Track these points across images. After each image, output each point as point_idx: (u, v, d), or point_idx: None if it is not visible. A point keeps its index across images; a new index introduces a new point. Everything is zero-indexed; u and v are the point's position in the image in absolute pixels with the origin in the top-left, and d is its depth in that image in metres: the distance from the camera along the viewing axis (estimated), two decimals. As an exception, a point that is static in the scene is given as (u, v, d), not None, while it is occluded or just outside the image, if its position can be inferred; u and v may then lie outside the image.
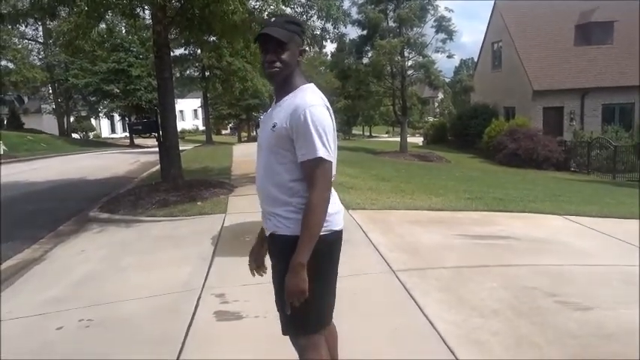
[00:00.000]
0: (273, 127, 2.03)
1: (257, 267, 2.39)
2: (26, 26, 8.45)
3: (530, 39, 23.95)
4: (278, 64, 2.02)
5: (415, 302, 3.76)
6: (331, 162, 1.98)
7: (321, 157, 1.93)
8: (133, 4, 7.06)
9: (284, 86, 2.07)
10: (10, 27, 9.11)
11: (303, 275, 1.93)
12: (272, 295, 2.19)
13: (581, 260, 4.85)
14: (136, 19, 9.15)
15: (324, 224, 2.00)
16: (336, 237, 2.11)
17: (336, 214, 2.11)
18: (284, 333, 2.16)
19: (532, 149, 19.51)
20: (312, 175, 1.95)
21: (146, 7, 8.69)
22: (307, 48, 2.28)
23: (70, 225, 7.79)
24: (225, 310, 3.81)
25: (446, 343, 3.12)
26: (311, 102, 1.97)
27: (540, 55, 23.42)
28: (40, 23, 8.40)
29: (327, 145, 1.94)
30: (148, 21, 10.05)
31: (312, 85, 2.11)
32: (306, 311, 2.02)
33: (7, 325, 3.89)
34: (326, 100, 2.09)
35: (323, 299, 2.12)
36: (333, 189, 2.12)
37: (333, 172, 2.08)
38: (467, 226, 6.20)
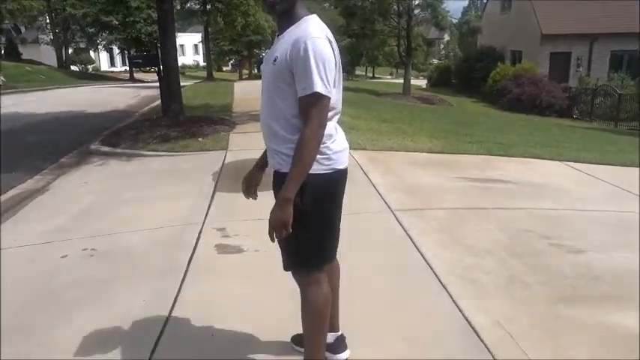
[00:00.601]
0: (274, 60, 1.97)
1: (246, 187, 2.43)
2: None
3: (542, -20, 23.13)
4: None
5: (412, 241, 3.85)
6: (329, 97, 1.91)
7: (317, 92, 1.86)
8: None
9: (286, 18, 2.00)
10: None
11: (289, 209, 1.91)
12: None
13: (577, 205, 4.92)
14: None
15: (328, 162, 2.00)
16: (339, 176, 2.08)
17: (341, 152, 2.08)
18: (285, 269, 2.19)
19: (536, 95, 19.31)
20: (308, 110, 1.90)
21: None
22: None
23: (72, 157, 7.82)
24: (226, 243, 3.90)
25: (440, 280, 3.22)
26: (313, 33, 1.89)
27: (552, -3, 22.71)
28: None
29: (324, 80, 1.87)
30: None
31: (314, 16, 2.02)
32: (308, 249, 2.06)
33: (13, 252, 4.00)
34: (329, 32, 2.01)
35: (324, 238, 2.13)
36: (338, 126, 2.11)
37: (338, 108, 2.07)
38: (466, 169, 6.24)
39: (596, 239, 3.97)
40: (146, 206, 5.03)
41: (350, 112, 11.20)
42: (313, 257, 2.11)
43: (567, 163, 6.86)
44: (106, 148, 7.87)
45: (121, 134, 8.52)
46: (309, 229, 2.01)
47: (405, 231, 4.04)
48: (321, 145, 1.95)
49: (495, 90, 21.06)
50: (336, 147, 2.04)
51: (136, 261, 3.70)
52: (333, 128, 2.04)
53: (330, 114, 1.98)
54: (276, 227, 1.93)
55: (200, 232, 4.13)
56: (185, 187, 5.60)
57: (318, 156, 1.95)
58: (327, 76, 1.87)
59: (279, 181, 2.01)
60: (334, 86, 1.98)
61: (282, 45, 1.95)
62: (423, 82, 32.54)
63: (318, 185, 1.98)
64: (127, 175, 6.52)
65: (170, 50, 8.88)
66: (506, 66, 22.08)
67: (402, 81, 23.56)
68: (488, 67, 23.22)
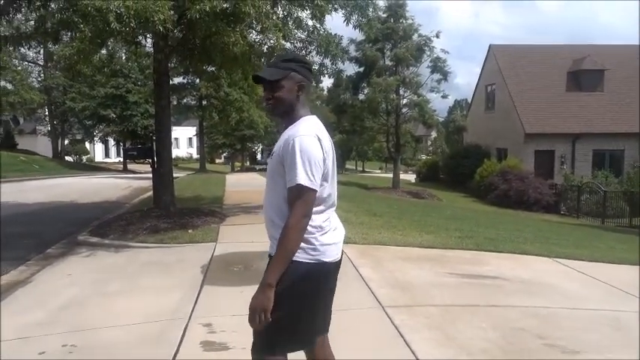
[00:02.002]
0: (272, 155, 2.20)
1: None
2: (29, 49, 8.49)
3: (524, 83, 24.47)
4: (271, 101, 2.21)
5: (403, 339, 3.74)
6: (314, 190, 2.04)
7: (300, 185, 2.00)
8: (135, 32, 7.18)
9: (287, 119, 2.22)
10: (12, 49, 9.19)
11: (269, 294, 1.99)
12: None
13: (570, 303, 4.85)
14: (138, 46, 9.28)
15: (313, 253, 2.09)
16: (324, 268, 2.13)
17: (330, 246, 2.15)
18: (252, 352, 2.21)
19: (523, 191, 19.70)
20: (293, 201, 2.03)
21: (148, 36, 8.84)
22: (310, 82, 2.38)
23: (59, 248, 7.72)
24: (212, 340, 3.77)
25: (433, 382, 3.10)
26: (302, 132, 2.08)
27: (533, 99, 23.90)
28: (42, 46, 8.44)
29: (309, 174, 2.01)
30: (149, 49, 10.19)
31: (312, 117, 2.22)
32: (276, 330, 2.09)
33: (-12, 348, 3.82)
34: (323, 131, 2.18)
35: (296, 324, 2.13)
36: (336, 220, 2.25)
37: (331, 201, 2.21)
38: (457, 265, 6.20)
39: (592, 339, 3.88)
40: (131, 299, 4.90)
41: (341, 205, 11.21)
42: (281, 340, 2.14)
43: (557, 259, 6.85)
44: (94, 239, 7.79)
45: (111, 225, 8.48)
46: (280, 311, 2.05)
47: (397, 328, 3.93)
48: (310, 235, 2.07)
49: (483, 186, 21.50)
50: (326, 240, 2.14)
51: (118, 358, 3.54)
52: (324, 221, 2.15)
53: (320, 207, 2.13)
54: (255, 312, 2.01)
55: (185, 328, 4.00)
56: (172, 280, 5.49)
57: (305, 245, 2.07)
58: (311, 170, 2.02)
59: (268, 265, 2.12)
60: (327, 180, 2.14)
61: (279, 142, 2.17)
62: (411, 177, 33.22)
63: (298, 272, 2.06)
64: (113, 266, 6.40)
65: (165, 144, 9.09)
66: (493, 162, 22.71)
67: (391, 175, 24.07)
68: (475, 163, 23.88)
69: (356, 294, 4.79)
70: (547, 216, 18.43)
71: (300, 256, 2.06)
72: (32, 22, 8.55)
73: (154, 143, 9.41)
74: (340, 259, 2.25)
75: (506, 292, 5.12)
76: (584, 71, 24.39)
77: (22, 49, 9.24)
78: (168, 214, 8.69)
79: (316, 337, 2.28)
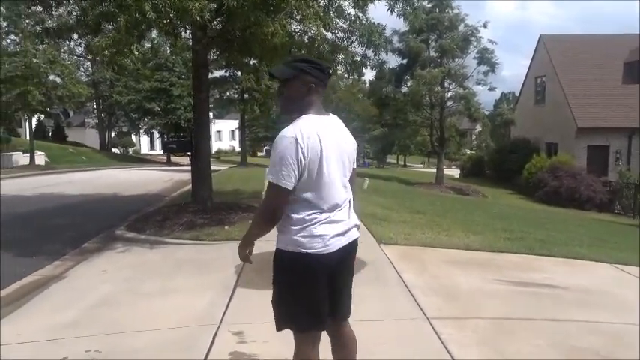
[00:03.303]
0: None
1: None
2: (70, 42, 8.49)
3: (576, 74, 23.31)
4: (281, 98, 2.38)
5: (451, 356, 3.38)
6: (281, 187, 2.18)
7: (269, 182, 2.21)
8: (173, 22, 7.00)
9: (292, 117, 2.34)
10: (54, 42, 9.22)
11: (241, 249, 2.52)
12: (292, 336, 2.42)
13: (634, 318, 4.35)
14: (177, 38, 9.13)
15: (294, 244, 2.25)
16: (308, 259, 2.24)
17: (316, 237, 2.25)
18: (277, 329, 2.44)
19: (575, 188, 18.77)
20: (265, 193, 2.26)
21: (187, 27, 8.67)
22: (317, 82, 2.29)
23: (96, 242, 7.67)
24: (241, 350, 3.52)
25: (486, 412, 2.73)
26: (283, 132, 2.22)
27: (586, 91, 22.74)
28: (83, 39, 8.41)
29: (281, 172, 2.17)
30: (190, 42, 10.04)
31: (308, 116, 2.29)
32: (281, 312, 2.39)
33: (13, 350, 3.68)
34: (312, 130, 2.22)
35: (295, 306, 2.33)
36: (341, 214, 2.35)
37: (334, 197, 2.31)
38: (507, 270, 5.75)
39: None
40: (162, 300, 4.71)
41: (381, 202, 10.94)
42: (288, 319, 2.38)
43: (617, 266, 6.29)
44: (130, 234, 7.71)
45: (148, 220, 8.39)
46: (278, 296, 2.39)
47: (443, 344, 3.57)
48: (293, 228, 2.25)
49: (531, 182, 20.62)
50: (309, 232, 2.25)
51: (141, 368, 3.33)
52: (309, 215, 2.25)
53: (305, 204, 2.26)
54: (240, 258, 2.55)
55: (215, 336, 3.76)
56: (206, 280, 5.29)
57: (287, 237, 2.27)
58: (281, 169, 2.17)
59: (275, 255, 2.38)
60: (315, 180, 2.23)
61: None
62: (455, 172, 32.39)
63: (282, 261, 2.32)
64: (147, 264, 6.27)
65: (203, 137, 8.94)
66: (542, 158, 21.74)
67: (434, 170, 23.45)
68: (522, 158, 22.94)
69: (399, 302, 4.45)
70: (600, 215, 17.48)
71: (283, 247, 2.29)
72: (74, 15, 8.50)
73: (192, 136, 9.26)
74: (338, 251, 2.30)
75: (563, 304, 4.66)
76: (642, 62, 22.99)
77: (67, 42, 9.20)
78: (205, 209, 8.53)
79: (322, 318, 2.37)
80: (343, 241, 2.33)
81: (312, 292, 2.31)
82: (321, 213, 2.26)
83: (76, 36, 8.63)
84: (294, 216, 2.25)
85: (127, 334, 3.92)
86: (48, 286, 5.46)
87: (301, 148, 2.17)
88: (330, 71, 2.49)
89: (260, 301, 4.37)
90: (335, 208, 2.31)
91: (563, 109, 22.77)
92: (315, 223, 2.25)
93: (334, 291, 2.40)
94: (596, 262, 6.44)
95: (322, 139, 2.23)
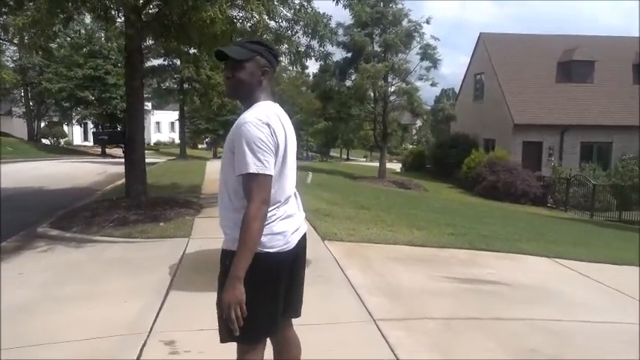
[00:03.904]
0: (226, 143, 2.13)
1: None
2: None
3: (513, 72, 24.00)
4: (232, 81, 2.14)
5: (399, 363, 3.19)
6: (267, 175, 1.99)
7: (250, 173, 1.96)
8: (103, 3, 6.45)
9: (245, 103, 2.16)
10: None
11: (240, 288, 1.96)
12: (233, 345, 2.16)
13: (582, 315, 4.34)
14: (110, 22, 8.51)
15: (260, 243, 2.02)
16: (270, 259, 2.06)
17: (276, 235, 2.08)
18: (221, 341, 2.16)
19: (511, 183, 19.33)
20: (247, 189, 1.99)
21: (121, 10, 8.08)
22: (271, 68, 2.10)
23: (15, 241, 6.99)
24: (172, 363, 3.17)
25: None
26: (249, 118, 2.01)
27: (522, 89, 23.46)
28: (1, 18, 7.63)
29: (261, 159, 1.97)
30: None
31: (269, 102, 2.15)
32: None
33: None
34: (281, 117, 2.12)
35: (252, 314, 2.02)
36: (292, 208, 2.19)
37: (289, 190, 2.16)
38: (452, 267, 5.67)
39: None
40: (85, 307, 4.26)
41: (325, 196, 10.74)
42: (246, 329, 2.04)
43: (557, 260, 6.36)
44: (54, 232, 7.10)
45: (75, 216, 7.79)
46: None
47: (392, 349, 3.37)
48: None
49: (470, 177, 21.08)
50: (270, 230, 2.06)
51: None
52: (270, 210, 2.05)
53: (274, 199, 2.06)
54: (231, 306, 1.95)
55: (143, 346, 3.39)
56: (136, 282, 4.87)
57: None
58: (262, 155, 1.97)
59: (224, 257, 2.10)
60: (278, 169, 2.06)
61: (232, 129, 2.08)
62: (397, 166, 32.73)
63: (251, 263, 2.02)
64: (72, 265, 5.74)
65: (137, 127, 8.39)
66: (480, 153, 22.28)
67: (376, 164, 23.57)
68: (461, 153, 23.42)
69: (344, 303, 4.22)
70: (535, 209, 18.12)
71: (235, 247, 2.00)
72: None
73: (126, 128, 8.69)
74: (295, 247, 2.16)
75: (508, 301, 4.59)
76: (575, 62, 23.98)
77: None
78: (139, 204, 8.02)
79: (278, 324, 2.20)
80: (297, 236, 2.19)
81: (273, 297, 2.13)
82: (278, 208, 2.11)
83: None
84: None
85: (41, 346, 3.48)
86: (-45, 292, 4.86)
87: (274, 134, 2.03)
88: (278, 55, 2.35)
89: (196, 306, 4.05)
90: (289, 199, 2.19)
91: (501, 106, 23.40)
92: (275, 220, 2.09)
93: (290, 289, 2.24)
94: (536, 256, 6.50)
95: (285, 127, 2.13)
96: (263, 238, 2.02)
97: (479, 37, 26.75)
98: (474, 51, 27.44)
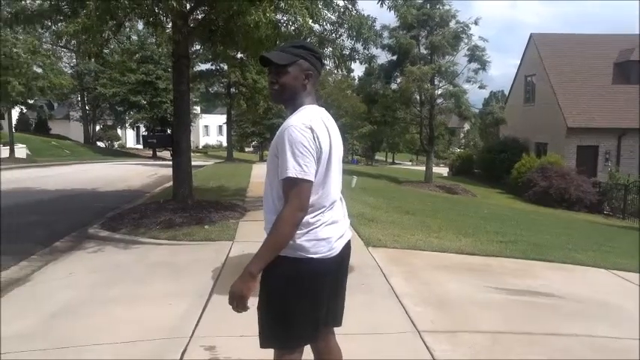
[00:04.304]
0: (271, 147, 2.11)
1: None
2: (42, 28, 7.98)
3: (567, 74, 23.13)
4: (276, 86, 2.12)
5: (445, 379, 3.04)
6: (306, 181, 1.95)
7: (291, 177, 1.94)
8: (150, 9, 6.57)
9: (290, 107, 2.14)
10: (23, 28, 8.71)
11: (249, 284, 1.96)
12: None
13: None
14: (158, 27, 8.68)
15: (296, 250, 2.01)
16: (312, 265, 2.02)
17: (321, 241, 2.04)
18: (261, 346, 2.16)
19: (564, 189, 18.55)
20: (286, 193, 1.97)
21: (168, 16, 8.22)
22: (319, 71, 2.07)
23: (68, 241, 7.22)
24: (212, 370, 3.14)
25: None
26: (293, 122, 2.00)
27: (576, 91, 22.57)
28: (56, 26, 7.89)
29: (301, 164, 1.94)
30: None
31: (311, 106, 2.12)
32: (272, 326, 2.08)
33: (-44, 367, 3.28)
34: (325, 122, 2.09)
35: (293, 320, 2.06)
36: (337, 214, 2.14)
37: (334, 195, 2.13)
38: (502, 277, 5.44)
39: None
40: (128, 309, 4.31)
41: (370, 201, 10.61)
42: (277, 335, 2.09)
43: (616, 272, 6.01)
44: (104, 233, 7.28)
45: (124, 217, 7.96)
46: (271, 308, 2.07)
47: (436, 363, 3.23)
48: (302, 230, 2.01)
49: (520, 182, 20.40)
50: (313, 236, 2.04)
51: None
52: (314, 216, 2.04)
53: (311, 202, 2.01)
54: (233, 298, 1.99)
55: (184, 352, 3.38)
56: (179, 286, 4.90)
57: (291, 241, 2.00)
58: (302, 161, 1.94)
59: None
60: (322, 174, 2.03)
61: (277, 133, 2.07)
62: (443, 170, 32.15)
63: (280, 266, 2.00)
64: (119, 266, 5.85)
65: (183, 131, 8.52)
66: (532, 158, 21.53)
67: (422, 168, 23.17)
68: (511, 158, 22.72)
69: (387, 313, 4.09)
70: (590, 216, 17.31)
71: (284, 252, 1.99)
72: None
73: (173, 131, 8.83)
74: (339, 254, 2.12)
75: (564, 315, 4.34)
76: (633, 62, 22.86)
77: (41, 29, 8.71)
78: (185, 207, 8.13)
79: (318, 332, 2.18)
80: (342, 243, 2.15)
81: (314, 304, 2.10)
82: (323, 213, 2.08)
83: (49, 22, 8.12)
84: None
85: (86, 347, 3.53)
86: (10, 290, 5.03)
87: (317, 138, 1.99)
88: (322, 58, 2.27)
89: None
90: (334, 205, 2.14)
91: (554, 108, 22.58)
92: (320, 225, 2.06)
93: (332, 297, 2.21)
94: (593, 268, 6.16)
95: (330, 131, 2.10)
96: (307, 244, 2.01)
97: (530, 38, 25.93)
98: (525, 52, 26.62)
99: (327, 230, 2.07)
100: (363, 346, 3.41)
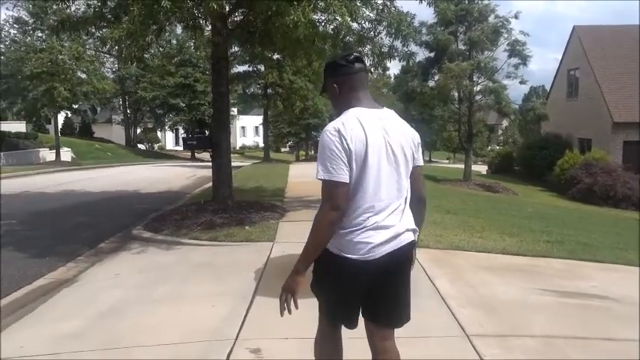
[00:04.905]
0: None
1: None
2: (87, 34, 8.19)
3: (612, 67, 22.26)
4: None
5: (497, 385, 2.94)
6: (334, 182, 2.06)
7: (320, 179, 2.10)
8: (190, 12, 6.65)
9: (336, 111, 2.31)
10: (69, 35, 8.97)
11: (297, 280, 2.16)
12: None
13: None
14: (198, 30, 8.80)
15: (336, 246, 2.16)
16: (348, 263, 2.14)
17: (360, 244, 2.13)
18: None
19: (610, 186, 17.86)
20: (322, 194, 2.12)
21: (207, 19, 8.31)
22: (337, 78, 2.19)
23: (112, 242, 7.39)
24: (258, 373, 3.13)
25: None
26: (327, 127, 2.17)
27: (622, 84, 21.68)
28: (100, 32, 8.08)
29: (328, 167, 2.07)
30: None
31: (353, 109, 2.20)
32: (320, 301, 2.34)
33: (11, 366, 3.37)
34: (357, 121, 2.13)
35: (328, 302, 2.31)
36: (385, 219, 2.16)
37: (380, 198, 2.14)
38: (551, 278, 5.25)
39: None
40: (174, 309, 4.36)
41: (409, 200, 10.45)
42: (322, 308, 2.36)
43: (670, 272, 5.72)
44: (147, 234, 7.41)
45: (166, 219, 8.08)
46: (318, 287, 2.31)
47: (488, 369, 3.13)
48: (340, 230, 2.13)
49: (563, 179, 19.77)
50: (352, 237, 2.14)
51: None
52: (355, 219, 2.13)
53: (350, 202, 2.12)
54: (284, 293, 2.19)
55: (230, 354, 3.38)
56: (222, 286, 4.93)
57: (335, 238, 2.14)
58: (329, 163, 2.07)
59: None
60: (360, 174, 2.10)
61: None
62: (482, 168, 31.48)
63: (322, 259, 2.18)
64: (163, 266, 5.94)
65: (222, 132, 8.58)
66: (575, 154, 20.82)
67: (460, 166, 22.78)
68: (553, 154, 22.02)
69: (433, 316, 4.00)
70: (637, 214, 16.63)
71: (329, 245, 2.16)
72: (92, 7, 8.22)
73: (212, 133, 8.93)
74: (383, 257, 2.15)
75: (619, 319, 4.15)
76: (682, 53, 21.84)
77: (85, 35, 8.94)
78: (226, 208, 8.19)
79: (349, 320, 2.33)
80: (389, 248, 2.16)
81: (345, 297, 2.26)
82: (368, 218, 2.14)
83: (93, 29, 8.32)
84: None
85: (133, 348, 3.57)
86: (58, 291, 5.17)
87: (345, 140, 2.08)
88: (351, 57, 2.29)
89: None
90: (384, 209, 2.16)
91: (598, 103, 21.80)
92: (361, 229, 2.14)
93: (374, 296, 2.27)
94: (646, 268, 5.89)
95: (366, 129, 2.12)
96: (346, 244, 2.14)
97: (572, 31, 25.11)
98: (567, 45, 25.78)
99: (368, 234, 2.13)
100: (412, 350, 3.32)
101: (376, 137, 2.13)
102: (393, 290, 2.29)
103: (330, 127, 2.14)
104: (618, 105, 21.10)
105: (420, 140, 2.35)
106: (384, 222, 2.15)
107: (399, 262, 2.24)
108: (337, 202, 2.06)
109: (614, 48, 22.92)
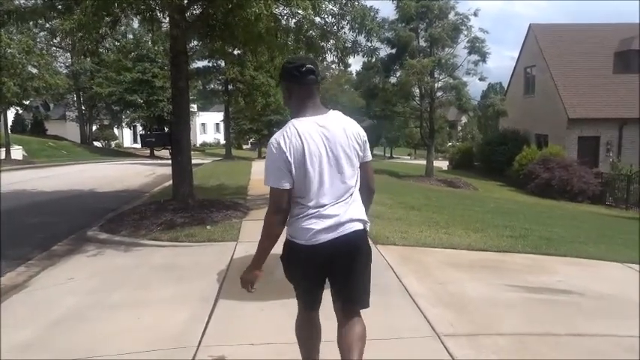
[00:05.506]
0: None
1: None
2: (36, 27, 7.76)
3: (567, 64, 22.92)
4: None
5: (471, 387, 2.86)
6: (275, 188, 2.36)
7: (268, 186, 2.40)
8: (147, 4, 6.35)
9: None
10: (16, 26, 8.49)
11: (254, 272, 2.51)
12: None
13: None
14: (155, 23, 8.47)
15: (288, 234, 2.47)
16: (296, 247, 2.43)
17: (304, 230, 2.40)
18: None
19: (567, 180, 18.41)
20: (269, 198, 2.41)
21: (165, 11, 8.00)
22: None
23: (66, 244, 7.03)
24: (223, 383, 2.96)
25: None
26: (270, 140, 2.43)
27: (577, 81, 22.38)
28: (50, 23, 7.66)
29: (269, 175, 2.38)
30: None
31: (294, 120, 2.42)
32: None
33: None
34: (293, 133, 2.35)
35: (293, 285, 2.62)
36: (330, 209, 2.39)
37: (322, 193, 2.38)
38: (517, 274, 5.26)
39: None
40: (132, 316, 4.12)
41: (374, 197, 10.41)
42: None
43: (630, 266, 5.83)
44: (104, 235, 7.08)
45: (124, 219, 7.76)
46: (285, 272, 2.60)
47: (461, 370, 3.05)
48: (290, 219, 2.44)
49: (522, 174, 20.23)
50: (298, 224, 2.42)
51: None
52: (300, 208, 2.41)
53: (296, 198, 2.41)
54: (244, 283, 2.55)
55: (192, 362, 3.19)
56: (184, 289, 4.71)
57: (288, 227, 2.47)
58: (271, 171, 2.38)
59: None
60: (301, 176, 2.35)
61: None
62: (443, 164, 31.95)
63: (285, 245, 2.51)
64: (120, 270, 5.66)
65: (183, 129, 8.30)
66: (533, 149, 21.35)
67: (421, 162, 23.00)
68: (512, 150, 22.53)
69: (404, 315, 3.91)
70: (593, 207, 17.18)
71: (285, 233, 2.48)
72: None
73: (172, 129, 8.62)
74: (327, 244, 2.38)
75: (585, 313, 4.17)
76: (633, 52, 22.66)
77: (34, 27, 8.47)
78: (186, 207, 7.92)
79: (308, 301, 2.63)
80: (332, 235, 2.38)
81: (298, 277, 2.56)
82: (312, 208, 2.39)
83: (42, 21, 7.88)
84: (291, 211, 2.43)
85: (87, 359, 3.34)
86: (7, 298, 4.84)
87: (284, 152, 2.33)
88: (304, 69, 2.43)
89: (245, 316, 3.83)
90: (327, 203, 2.39)
91: (554, 99, 22.40)
92: (303, 217, 2.40)
93: (333, 279, 2.51)
94: (607, 261, 5.99)
95: (305, 139, 2.34)
96: (292, 231, 2.44)
97: (529, 29, 25.70)
98: (524, 43, 26.39)
99: (310, 222, 2.39)
100: (381, 351, 3.22)
101: (315, 145, 2.35)
102: (343, 276, 2.47)
103: (274, 139, 2.39)
104: (573, 102, 21.75)
105: (366, 137, 2.51)
106: (327, 212, 2.39)
107: (346, 250, 2.42)
108: (279, 204, 2.37)
109: (570, 46, 23.59)
